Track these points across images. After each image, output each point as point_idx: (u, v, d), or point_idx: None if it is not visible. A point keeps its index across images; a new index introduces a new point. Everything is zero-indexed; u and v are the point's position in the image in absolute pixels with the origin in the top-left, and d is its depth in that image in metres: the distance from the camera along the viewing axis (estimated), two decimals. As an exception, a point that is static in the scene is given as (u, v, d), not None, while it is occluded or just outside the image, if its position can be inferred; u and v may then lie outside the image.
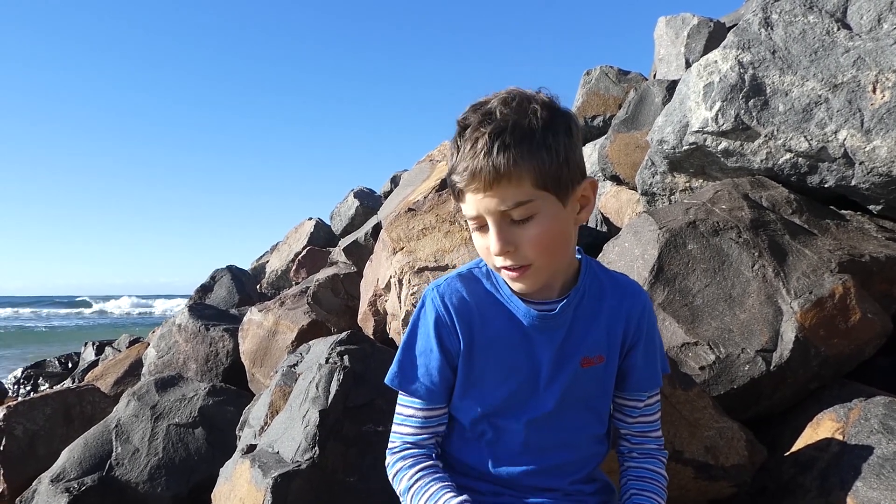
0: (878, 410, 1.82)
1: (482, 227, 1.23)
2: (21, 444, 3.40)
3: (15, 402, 3.62)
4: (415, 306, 1.48)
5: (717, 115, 2.64)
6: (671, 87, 3.71)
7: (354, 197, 7.26)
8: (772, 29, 2.68)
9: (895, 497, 1.58)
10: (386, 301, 2.98)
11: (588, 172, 4.67)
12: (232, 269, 6.69)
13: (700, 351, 2.09)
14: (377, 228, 4.50)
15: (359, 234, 4.93)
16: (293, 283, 6.41)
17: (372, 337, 3.00)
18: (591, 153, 4.50)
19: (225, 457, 2.49)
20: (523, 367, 1.34)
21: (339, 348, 2.26)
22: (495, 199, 1.17)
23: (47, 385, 6.67)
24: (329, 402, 2.10)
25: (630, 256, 2.38)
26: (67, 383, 5.70)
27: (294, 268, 6.68)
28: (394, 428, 1.39)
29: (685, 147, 2.78)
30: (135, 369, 4.60)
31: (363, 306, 3.29)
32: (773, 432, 2.15)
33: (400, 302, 2.70)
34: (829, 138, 2.42)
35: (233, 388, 3.33)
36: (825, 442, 1.87)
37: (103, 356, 6.25)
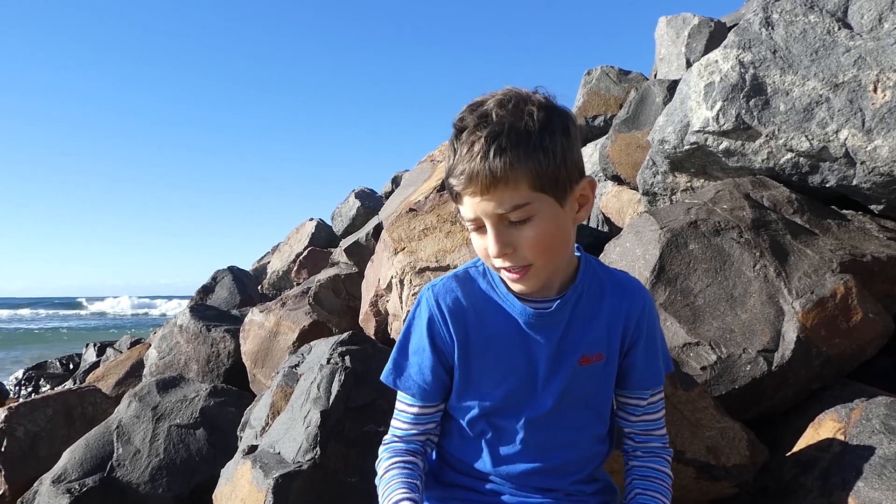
0: (880, 410, 1.82)
1: (480, 229, 1.23)
2: (22, 445, 3.41)
3: (16, 404, 3.62)
4: None
5: (718, 114, 2.64)
6: (672, 86, 3.71)
7: (355, 197, 7.27)
8: (772, 28, 2.67)
9: (897, 497, 1.58)
10: (387, 301, 2.98)
11: (589, 172, 4.68)
12: (233, 270, 6.69)
13: (701, 351, 2.09)
14: (378, 229, 4.50)
15: (360, 235, 4.93)
16: (294, 283, 6.42)
17: (373, 337, 3.01)
18: (592, 153, 4.50)
19: (226, 457, 2.50)
20: (521, 367, 1.33)
21: (340, 349, 2.26)
22: (492, 202, 1.17)
23: (48, 386, 6.67)
24: (330, 402, 2.10)
25: (631, 256, 2.38)
26: (69, 384, 5.70)
27: (295, 268, 6.68)
28: (391, 422, 1.41)
29: (686, 147, 2.78)
30: (136, 370, 4.60)
31: (364, 307, 3.29)
32: (775, 432, 2.15)
33: (401, 302, 2.70)
34: (831, 138, 2.41)
35: (234, 389, 3.33)
36: (827, 442, 1.86)
37: (104, 357, 6.25)
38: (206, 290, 6.49)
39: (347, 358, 2.22)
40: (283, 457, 2.07)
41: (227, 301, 6.22)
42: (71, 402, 3.68)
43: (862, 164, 2.37)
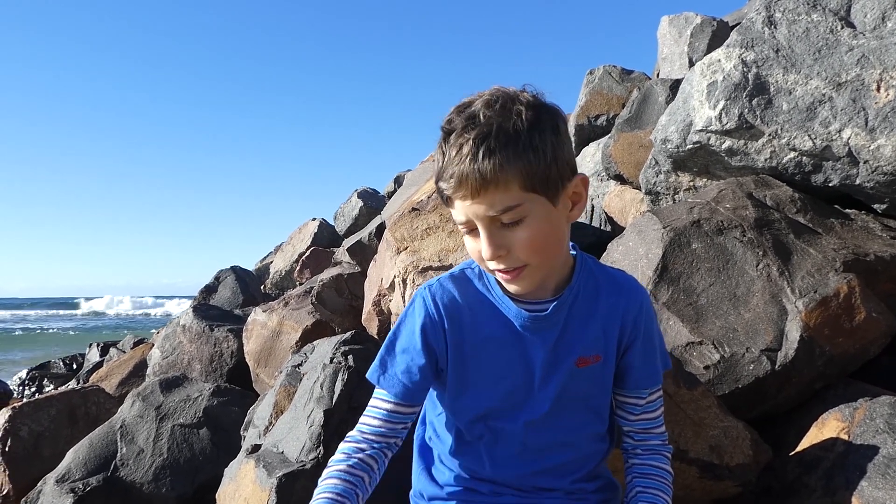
0: (884, 410, 1.82)
1: (473, 231, 1.22)
2: (26, 444, 3.41)
3: (20, 404, 3.63)
4: None
5: (720, 113, 2.64)
6: (674, 86, 3.71)
7: (358, 197, 7.28)
8: (775, 27, 2.67)
9: (901, 496, 1.58)
10: (390, 301, 2.98)
11: (591, 172, 4.66)
12: (236, 270, 6.70)
13: (705, 350, 2.09)
14: (381, 228, 4.51)
15: (363, 234, 4.94)
16: (297, 283, 6.43)
17: (376, 337, 3.01)
18: (594, 153, 4.50)
19: (229, 457, 2.50)
20: (517, 369, 1.32)
21: (343, 348, 2.27)
22: (484, 204, 1.15)
23: (52, 386, 6.68)
24: (333, 401, 2.10)
25: (634, 255, 2.38)
26: (72, 384, 5.71)
27: (298, 268, 6.69)
28: (361, 417, 1.39)
29: (689, 146, 2.78)
30: (139, 370, 4.62)
31: (367, 306, 3.30)
32: (778, 432, 2.15)
33: (404, 302, 2.71)
34: (833, 137, 2.41)
35: (237, 389, 3.33)
36: (830, 442, 1.86)
37: (108, 357, 6.26)
38: (210, 289, 6.51)
39: (350, 357, 2.22)
40: (287, 456, 2.07)
41: (230, 301, 6.23)
42: (74, 402, 3.69)
43: (865, 163, 2.37)
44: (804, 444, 1.96)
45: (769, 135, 2.55)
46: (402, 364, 1.33)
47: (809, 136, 2.46)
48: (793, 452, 1.97)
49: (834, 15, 2.58)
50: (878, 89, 2.36)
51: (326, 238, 7.48)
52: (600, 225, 3.98)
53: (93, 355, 6.92)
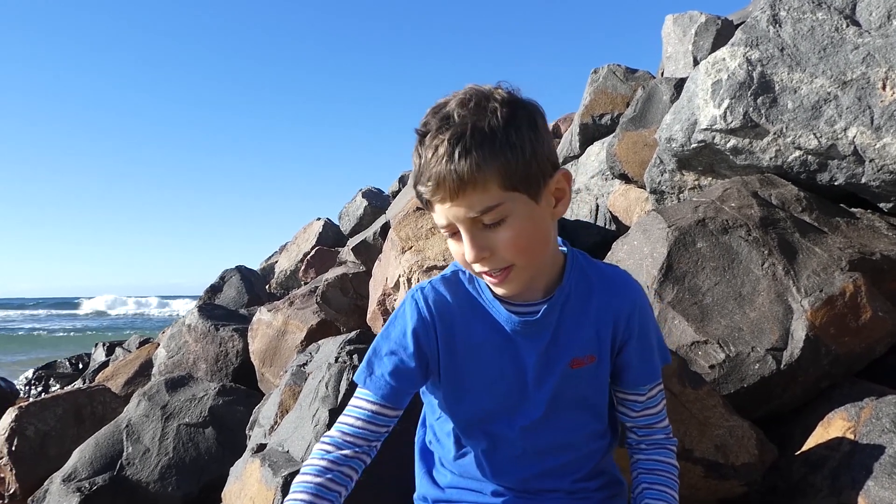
0: (890, 409, 1.81)
1: (455, 235, 1.19)
2: (33, 444, 3.43)
3: (26, 403, 3.65)
4: None
5: (725, 112, 2.63)
6: (679, 85, 3.70)
7: (363, 197, 7.28)
8: (780, 26, 2.67)
9: (907, 496, 1.58)
10: (395, 300, 2.99)
11: (596, 171, 4.65)
12: (241, 270, 6.71)
13: (710, 349, 2.09)
14: (386, 228, 4.51)
15: (367, 234, 4.94)
16: (302, 283, 6.43)
17: (381, 336, 3.00)
18: (598, 152, 4.49)
19: (235, 456, 2.50)
20: (509, 373, 1.31)
21: (348, 347, 2.27)
22: (463, 206, 1.13)
23: (58, 386, 6.71)
24: (339, 401, 2.10)
25: (639, 255, 2.38)
26: (78, 384, 5.73)
27: (303, 268, 6.70)
28: (340, 417, 1.35)
29: (694, 145, 2.77)
30: (145, 370, 4.63)
31: (372, 305, 3.30)
32: (784, 431, 2.15)
33: (408, 301, 2.70)
34: (839, 136, 2.41)
35: (242, 388, 3.34)
36: (836, 441, 1.86)
37: (113, 357, 6.28)
38: (215, 289, 6.52)
39: (355, 357, 2.22)
40: (292, 455, 2.08)
41: (235, 300, 6.24)
42: (80, 402, 3.71)
43: (871, 161, 2.36)
44: (810, 443, 1.95)
45: (774, 133, 2.54)
46: (389, 365, 1.30)
47: (815, 134, 2.45)
48: (798, 452, 1.96)
49: (839, 13, 2.58)
50: (884, 87, 2.36)
51: (331, 238, 7.49)
52: (605, 224, 3.98)
53: (98, 355, 6.94)
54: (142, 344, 6.03)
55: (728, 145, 2.66)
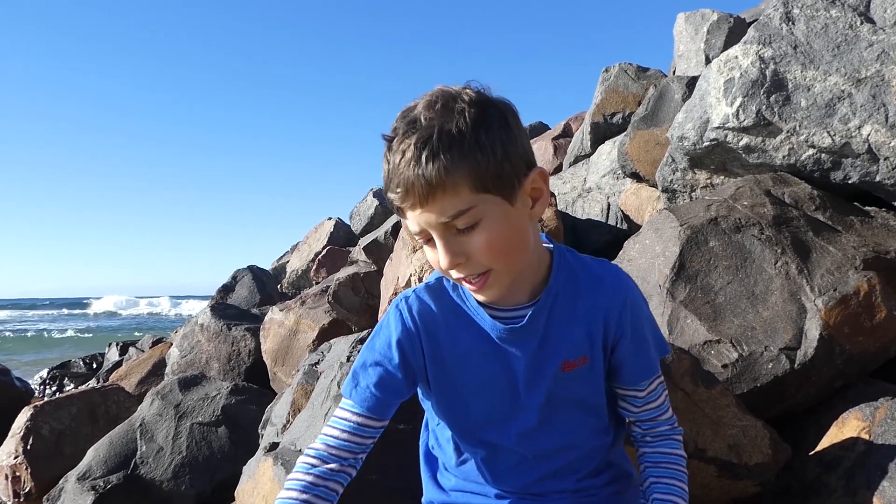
0: (905, 409, 1.80)
1: (430, 241, 1.14)
2: (48, 443, 3.46)
3: (41, 402, 3.68)
4: None
5: (738, 110, 2.62)
6: (691, 83, 3.69)
7: (374, 196, 7.29)
8: (793, 24, 2.65)
9: (923, 496, 1.56)
10: (406, 300, 2.99)
11: (607, 170, 4.63)
12: (253, 270, 6.74)
13: (722, 349, 2.08)
14: (397, 227, 4.52)
15: (378, 233, 4.95)
16: (313, 282, 6.45)
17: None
18: (610, 150, 4.48)
19: (248, 455, 2.52)
20: (500, 380, 1.27)
21: (359, 346, 2.27)
22: (433, 212, 1.08)
23: (73, 385, 6.76)
24: (350, 400, 2.11)
25: (651, 253, 2.37)
26: (92, 383, 5.78)
27: (314, 267, 6.72)
28: (324, 429, 1.31)
29: (706, 143, 2.76)
30: (158, 369, 4.66)
31: (383, 304, 3.31)
32: (798, 431, 2.13)
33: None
34: (853, 134, 2.39)
35: (255, 387, 3.36)
36: (851, 441, 1.84)
37: (127, 356, 6.33)
38: (227, 289, 6.55)
39: (367, 356, 2.22)
40: (304, 454, 2.08)
41: (247, 300, 6.27)
42: (95, 401, 3.73)
43: (885, 159, 2.34)
44: (824, 443, 1.94)
45: (787, 132, 2.53)
46: (374, 377, 1.27)
47: (828, 132, 2.44)
48: (813, 452, 1.95)
49: (853, 10, 2.56)
50: (899, 85, 2.34)
51: (342, 237, 7.51)
52: (616, 223, 3.97)
53: (112, 355, 6.99)
54: (155, 343, 6.07)
55: (741, 143, 2.65)
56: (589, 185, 4.44)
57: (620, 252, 2.53)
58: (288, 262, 8.24)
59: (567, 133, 6.14)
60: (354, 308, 3.77)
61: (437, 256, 1.14)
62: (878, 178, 2.39)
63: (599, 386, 1.33)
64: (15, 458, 3.38)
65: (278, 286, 7.28)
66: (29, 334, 24.40)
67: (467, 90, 1.11)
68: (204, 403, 3.09)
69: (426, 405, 1.40)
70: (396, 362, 1.26)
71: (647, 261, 2.36)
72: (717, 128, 2.69)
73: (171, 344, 4.76)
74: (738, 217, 2.33)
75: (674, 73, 5.09)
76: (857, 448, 1.80)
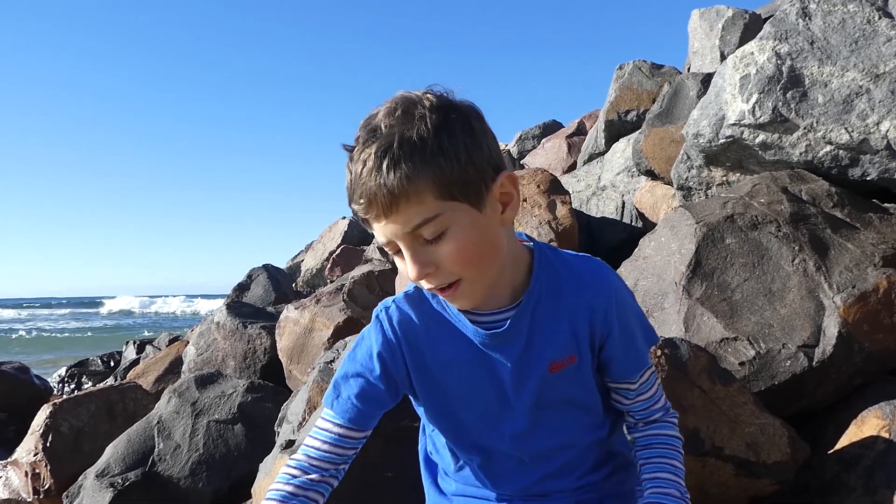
0: (926, 407, 1.79)
1: (399, 252, 1.11)
2: (66, 440, 3.49)
3: (60, 400, 3.71)
4: None
5: (754, 107, 2.60)
6: (706, 80, 3.67)
7: (387, 195, 7.30)
8: (810, 19, 2.63)
9: (944, 495, 1.55)
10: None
11: (622, 168, 4.62)
12: (268, 268, 6.77)
13: (739, 346, 2.07)
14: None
15: (392, 232, 4.94)
16: (328, 281, 6.47)
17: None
18: (624, 148, 4.47)
19: (264, 452, 2.53)
20: (486, 385, 1.25)
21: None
22: (398, 223, 1.06)
23: (90, 383, 6.83)
24: (366, 398, 2.11)
25: (667, 251, 2.36)
26: (110, 381, 5.84)
27: (329, 266, 6.74)
28: (306, 439, 1.31)
29: (721, 140, 2.75)
30: (175, 367, 4.70)
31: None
32: (816, 429, 2.12)
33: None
34: (871, 130, 2.37)
35: (270, 385, 3.37)
36: (871, 440, 1.83)
37: (144, 355, 6.38)
38: (242, 287, 6.59)
39: (383, 354, 2.23)
40: (321, 452, 2.09)
41: (262, 298, 6.30)
42: (112, 399, 3.76)
43: (904, 155, 2.32)
44: (843, 441, 1.93)
45: (804, 128, 2.51)
46: (356, 388, 1.26)
47: (846, 128, 2.42)
48: (832, 450, 1.94)
49: (871, 5, 2.53)
50: (918, 80, 2.32)
51: (356, 236, 7.53)
52: (631, 221, 3.95)
53: (129, 353, 7.05)
54: (171, 342, 6.12)
55: (757, 140, 2.63)
56: (603, 184, 4.43)
57: (636, 250, 2.53)
58: (302, 261, 8.27)
59: (581, 131, 6.13)
60: (369, 306, 3.77)
61: (406, 267, 1.11)
62: (896, 175, 2.37)
63: (590, 383, 1.31)
64: (35, 456, 3.42)
65: (293, 285, 7.32)
66: (45, 333, 24.62)
67: (428, 95, 1.08)
68: (220, 401, 3.11)
69: (419, 412, 1.38)
70: (378, 373, 1.24)
71: (662, 258, 2.36)
72: (733, 125, 2.67)
73: (188, 342, 4.79)
74: (754, 214, 2.32)
75: (688, 69, 5.06)
76: (876, 446, 1.79)
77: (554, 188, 3.25)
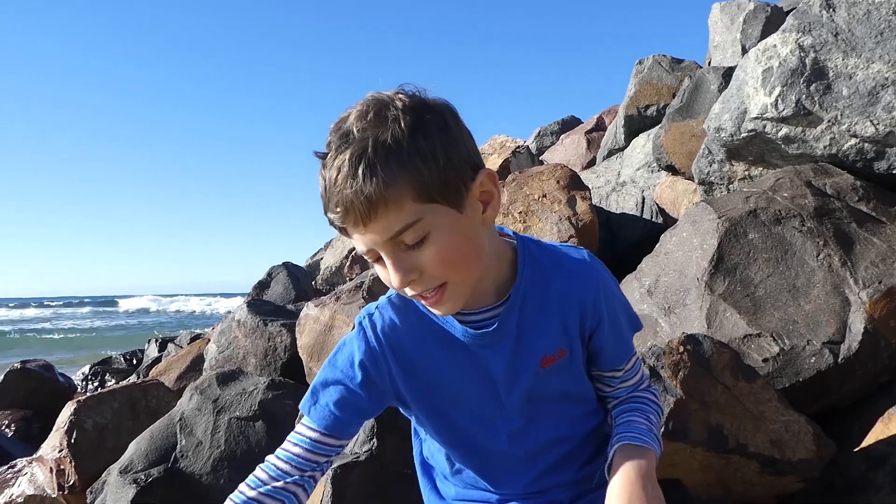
0: (955, 404, 1.75)
1: (380, 260, 1.08)
2: (91, 437, 3.53)
3: (84, 397, 3.76)
4: None
5: (776, 100, 2.57)
6: (727, 73, 3.63)
7: (406, 193, 7.30)
8: (834, 11, 2.59)
9: (975, 493, 1.52)
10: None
11: (642, 163, 4.59)
12: (288, 266, 6.81)
13: (763, 343, 2.04)
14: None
15: (411, 230, 4.95)
16: (347, 278, 6.49)
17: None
18: (644, 143, 4.43)
19: (285, 449, 2.54)
20: (478, 386, 1.23)
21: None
22: (377, 230, 1.02)
23: (114, 381, 6.91)
24: (386, 395, 2.12)
25: (689, 246, 2.34)
26: (133, 379, 5.89)
27: (348, 264, 6.75)
28: (283, 443, 1.29)
29: (744, 134, 2.71)
30: (196, 364, 4.73)
31: (417, 300, 3.31)
32: (842, 426, 2.09)
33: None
34: (898, 122, 2.33)
35: (291, 382, 3.38)
36: (898, 436, 1.81)
37: (166, 352, 6.44)
38: (262, 285, 6.63)
39: (403, 351, 2.23)
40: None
41: (282, 296, 6.33)
42: (135, 396, 3.80)
43: (932, 148, 2.28)
44: (870, 439, 1.90)
45: (828, 121, 2.47)
46: (335, 395, 1.22)
47: (871, 121, 2.38)
48: (858, 448, 1.91)
49: (897, -5, 2.49)
50: (946, 71, 2.27)
51: (375, 234, 7.54)
52: (651, 217, 3.92)
53: (151, 351, 7.12)
54: (193, 340, 6.17)
55: (780, 134, 2.60)
56: (623, 179, 4.40)
57: (657, 245, 2.51)
58: (322, 258, 8.30)
59: (600, 126, 6.09)
60: (388, 303, 3.78)
61: (389, 275, 1.08)
62: (924, 168, 2.33)
63: (581, 375, 1.30)
64: (59, 452, 3.46)
65: (312, 283, 7.35)
66: (66, 333, 24.93)
67: (400, 95, 1.05)
68: (241, 398, 3.13)
69: (411, 417, 1.36)
70: (359, 381, 1.21)
71: (684, 254, 2.33)
72: (756, 118, 2.64)
73: (209, 340, 4.83)
74: (777, 209, 2.29)
75: (709, 63, 5.01)
76: (904, 444, 1.76)
77: (574, 184, 3.23)
